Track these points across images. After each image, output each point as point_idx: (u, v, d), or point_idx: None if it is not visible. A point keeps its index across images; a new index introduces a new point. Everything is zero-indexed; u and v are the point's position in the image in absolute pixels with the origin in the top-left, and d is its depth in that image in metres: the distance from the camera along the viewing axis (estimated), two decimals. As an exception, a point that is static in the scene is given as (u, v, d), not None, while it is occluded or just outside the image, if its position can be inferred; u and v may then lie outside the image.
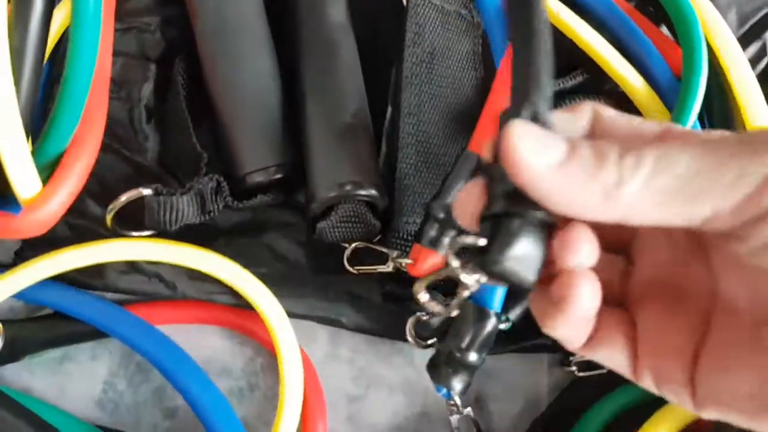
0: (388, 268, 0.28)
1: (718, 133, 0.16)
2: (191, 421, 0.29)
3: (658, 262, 0.19)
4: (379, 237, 0.30)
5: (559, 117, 0.18)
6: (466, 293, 0.17)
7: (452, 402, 0.27)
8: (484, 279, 0.17)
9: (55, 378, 0.29)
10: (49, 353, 0.29)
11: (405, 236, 0.29)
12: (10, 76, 0.24)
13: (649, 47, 0.29)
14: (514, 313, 0.29)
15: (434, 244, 0.27)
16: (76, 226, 0.29)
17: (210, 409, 0.27)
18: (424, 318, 0.28)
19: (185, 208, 0.28)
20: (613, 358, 0.18)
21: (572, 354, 0.30)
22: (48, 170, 0.26)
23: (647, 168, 0.15)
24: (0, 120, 0.23)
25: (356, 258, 0.30)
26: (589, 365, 0.29)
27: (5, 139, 0.24)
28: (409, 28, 0.30)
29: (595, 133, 0.18)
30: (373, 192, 0.28)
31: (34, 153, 0.26)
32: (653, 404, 0.27)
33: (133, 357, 0.30)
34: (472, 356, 0.26)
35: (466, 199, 0.17)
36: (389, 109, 0.30)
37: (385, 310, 0.30)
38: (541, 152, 0.15)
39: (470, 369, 0.25)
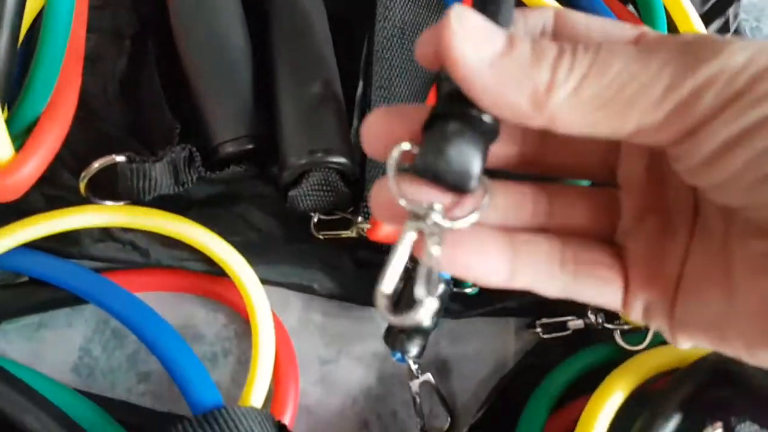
0: (351, 233, 0.29)
1: (671, 38, 0.15)
2: (165, 385, 0.29)
3: (640, 183, 0.18)
4: (351, 208, 0.31)
5: (525, 16, 0.17)
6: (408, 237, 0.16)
7: (410, 368, 0.28)
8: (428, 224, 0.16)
9: (31, 344, 0.29)
10: (25, 320, 0.30)
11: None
12: None
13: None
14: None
15: None
16: (51, 197, 0.30)
17: (185, 372, 0.28)
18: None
19: (158, 177, 0.28)
20: (604, 293, 0.18)
21: (538, 317, 0.31)
22: (22, 138, 0.27)
23: (578, 72, 0.14)
24: None
25: (330, 227, 0.30)
26: (554, 327, 0.30)
27: None
28: (380, 3, 0.31)
29: (561, 38, 0.17)
30: (343, 160, 0.28)
31: (8, 121, 0.26)
32: (615, 365, 0.28)
33: (107, 324, 0.30)
34: (426, 321, 0.26)
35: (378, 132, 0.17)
36: (360, 83, 0.31)
37: (356, 276, 0.31)
38: (477, 44, 0.14)
39: (424, 333, 0.26)
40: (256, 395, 0.28)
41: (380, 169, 0.30)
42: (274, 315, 0.29)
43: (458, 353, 0.31)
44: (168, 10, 0.31)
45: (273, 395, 0.29)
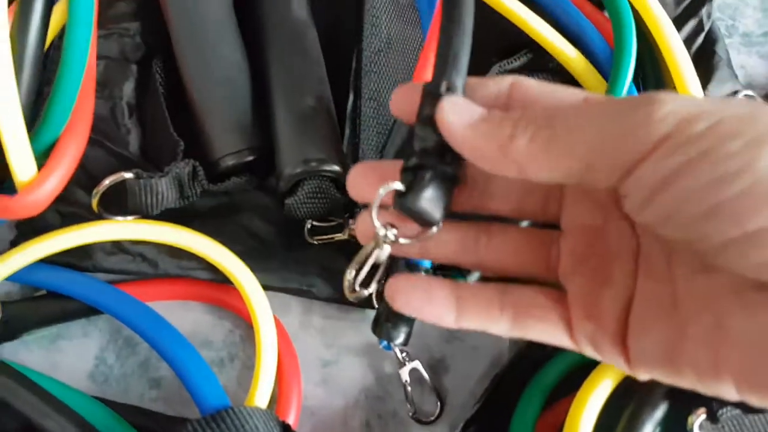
0: (344, 236, 0.31)
1: (611, 98, 0.19)
2: (175, 390, 0.31)
3: (584, 228, 0.20)
4: (346, 214, 0.32)
5: (485, 83, 0.20)
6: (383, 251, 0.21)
7: (397, 356, 0.29)
8: (393, 233, 0.21)
9: (50, 354, 0.31)
10: (44, 331, 0.31)
11: (369, 210, 0.31)
12: (13, 74, 0.27)
13: (587, 26, 0.32)
14: (473, 276, 0.31)
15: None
16: (66, 213, 0.32)
17: (194, 376, 0.29)
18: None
19: (165, 191, 0.30)
20: (549, 332, 0.20)
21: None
22: (42, 157, 0.29)
23: (533, 126, 0.17)
24: (4, 112, 0.26)
25: (323, 232, 0.32)
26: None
27: (8, 129, 0.26)
28: (367, 20, 0.33)
29: (516, 101, 0.20)
30: (336, 168, 0.30)
31: (30, 141, 0.28)
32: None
33: (120, 333, 0.32)
34: None
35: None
36: (351, 95, 0.33)
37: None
38: (462, 115, 0.19)
39: (408, 321, 0.27)
40: (260, 396, 0.29)
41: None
42: (276, 319, 0.31)
43: (454, 350, 0.32)
44: (171, 36, 0.33)
45: (277, 397, 0.30)
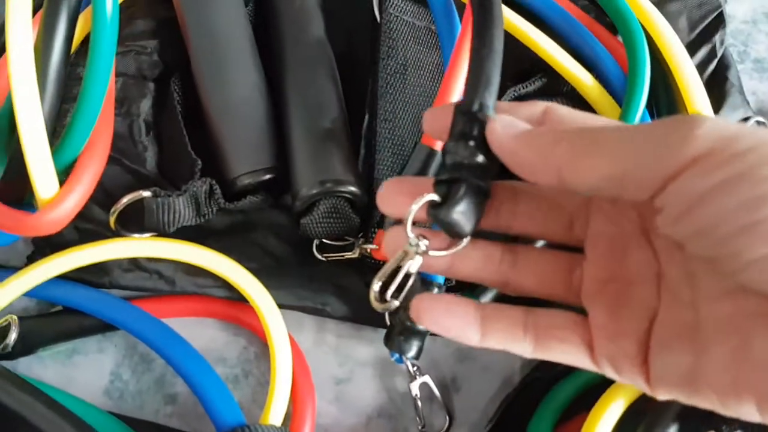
0: (354, 254, 0.31)
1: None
2: (190, 406, 0.31)
3: (607, 252, 0.21)
4: (361, 234, 0.33)
5: (517, 107, 0.21)
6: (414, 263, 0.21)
7: (408, 370, 0.30)
8: (424, 244, 0.21)
9: (66, 369, 0.32)
10: (59, 347, 0.32)
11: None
12: (38, 93, 0.27)
13: (601, 52, 0.32)
14: (487, 298, 0.31)
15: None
16: (83, 230, 0.32)
17: (210, 393, 0.30)
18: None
19: (182, 210, 0.31)
20: (570, 354, 0.20)
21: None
22: (62, 175, 0.29)
23: (575, 134, 0.18)
24: (28, 130, 0.26)
25: (333, 249, 0.32)
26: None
27: (32, 146, 0.27)
28: (383, 43, 0.33)
29: (548, 124, 0.21)
30: (352, 188, 0.30)
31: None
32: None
33: (136, 349, 0.32)
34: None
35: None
36: (367, 116, 0.33)
37: (367, 299, 0.32)
38: (509, 129, 0.20)
39: (421, 335, 0.28)
40: (275, 414, 0.29)
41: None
42: (290, 337, 0.31)
43: (466, 370, 0.32)
44: (188, 53, 0.33)
45: (291, 414, 0.30)
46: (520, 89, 0.33)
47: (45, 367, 0.31)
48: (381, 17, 0.34)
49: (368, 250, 0.31)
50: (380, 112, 0.33)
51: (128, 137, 0.33)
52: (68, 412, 0.28)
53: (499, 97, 0.32)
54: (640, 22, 0.31)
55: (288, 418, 0.30)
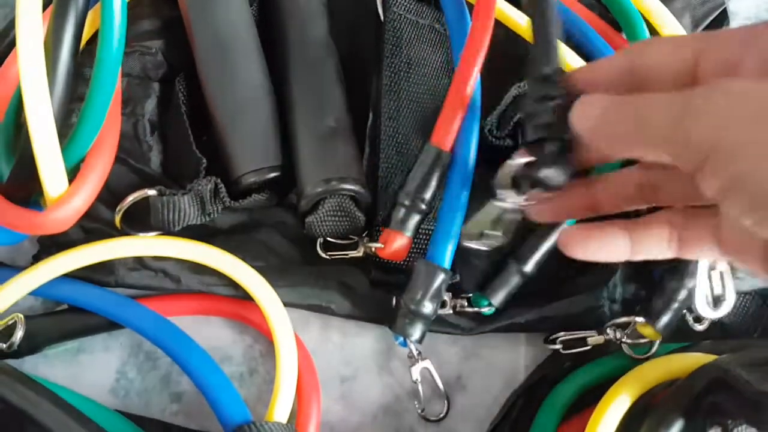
0: (359, 253, 0.31)
1: None
2: (196, 404, 0.31)
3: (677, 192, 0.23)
4: (366, 232, 0.33)
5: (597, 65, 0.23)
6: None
7: (410, 353, 0.30)
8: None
9: (71, 368, 0.32)
10: (65, 345, 0.32)
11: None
12: (48, 93, 0.27)
13: (605, 49, 0.32)
14: (497, 299, 0.31)
15: (401, 225, 0.30)
16: (89, 229, 0.32)
17: (216, 391, 0.30)
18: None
19: (187, 208, 0.31)
20: (704, 254, 0.22)
21: (550, 333, 0.32)
22: (69, 174, 0.29)
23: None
24: (38, 128, 0.26)
25: (338, 248, 0.33)
26: (573, 344, 0.32)
27: (42, 144, 0.26)
28: (387, 41, 0.34)
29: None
30: (356, 187, 0.30)
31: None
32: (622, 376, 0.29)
33: (141, 347, 0.32)
34: (426, 307, 0.29)
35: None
36: (371, 115, 0.33)
37: (371, 297, 0.32)
38: (587, 109, 0.21)
39: (425, 319, 0.28)
40: (280, 411, 0.29)
41: (390, 195, 0.32)
42: (295, 335, 0.31)
43: (471, 368, 0.33)
44: (193, 54, 0.33)
45: (297, 411, 0.30)
46: (524, 86, 0.33)
47: (51, 366, 0.32)
48: (385, 16, 0.34)
49: (373, 249, 0.31)
50: (384, 111, 0.33)
51: (133, 137, 0.33)
52: (74, 410, 0.28)
53: (503, 93, 0.32)
54: (644, 19, 0.32)
55: (293, 415, 0.30)
